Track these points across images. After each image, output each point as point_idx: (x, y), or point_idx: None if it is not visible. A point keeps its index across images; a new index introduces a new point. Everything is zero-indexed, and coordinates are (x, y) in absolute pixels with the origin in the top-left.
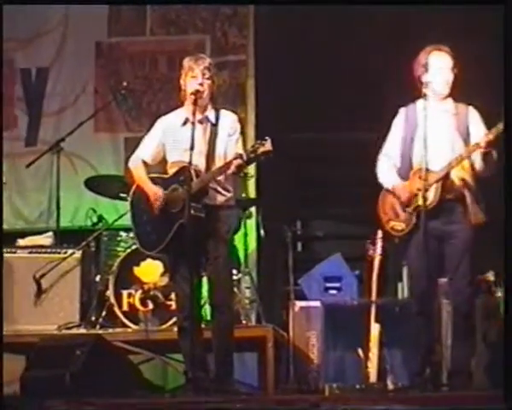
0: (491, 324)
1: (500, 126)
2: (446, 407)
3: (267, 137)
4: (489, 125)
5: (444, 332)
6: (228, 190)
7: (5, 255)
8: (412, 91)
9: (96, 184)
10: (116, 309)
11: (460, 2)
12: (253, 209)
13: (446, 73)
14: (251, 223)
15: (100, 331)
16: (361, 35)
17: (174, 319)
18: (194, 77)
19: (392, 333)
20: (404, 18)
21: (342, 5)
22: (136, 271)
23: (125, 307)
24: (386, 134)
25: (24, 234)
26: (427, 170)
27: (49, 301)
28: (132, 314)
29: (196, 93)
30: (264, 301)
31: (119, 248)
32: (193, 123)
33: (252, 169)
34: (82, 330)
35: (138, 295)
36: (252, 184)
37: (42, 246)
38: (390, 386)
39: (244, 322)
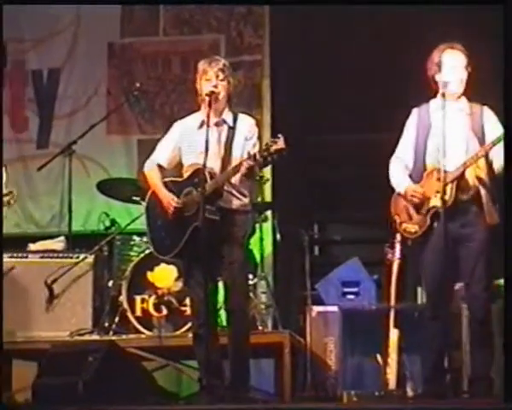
0: None
1: None
2: None
3: (280, 135)
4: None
5: (464, 338)
6: (244, 195)
7: (16, 260)
8: (426, 91)
9: (109, 188)
10: (129, 315)
11: (460, 2)
12: (268, 213)
13: (460, 71)
14: (267, 227)
15: (113, 338)
16: (380, 34)
17: (188, 325)
18: (209, 80)
19: (411, 339)
20: (418, 16)
21: (360, 5)
22: (150, 276)
23: (139, 313)
24: (401, 135)
25: (35, 238)
26: (442, 170)
27: (61, 307)
28: (146, 320)
29: (211, 95)
30: (281, 307)
31: (132, 253)
32: (208, 125)
33: (267, 172)
34: (94, 337)
35: (152, 300)
36: (268, 188)
37: (54, 251)
38: (409, 393)
39: (260, 328)
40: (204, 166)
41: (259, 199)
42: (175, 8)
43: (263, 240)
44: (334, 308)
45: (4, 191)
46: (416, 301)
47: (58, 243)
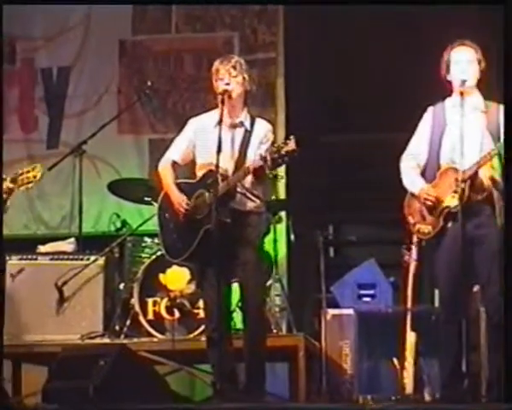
0: None
1: None
2: None
3: (291, 137)
4: None
5: (482, 341)
6: (257, 196)
7: (25, 262)
8: (441, 90)
9: (120, 188)
10: (141, 318)
11: (460, 2)
12: (283, 214)
13: (471, 67)
14: (281, 228)
15: (124, 341)
16: (392, 34)
17: (201, 328)
18: (221, 78)
19: (428, 342)
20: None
21: (373, 5)
22: (162, 278)
23: (151, 316)
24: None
25: (45, 240)
26: (456, 170)
27: (71, 310)
28: (158, 323)
29: (223, 93)
30: (295, 309)
31: (143, 255)
32: (221, 123)
33: (282, 171)
34: (105, 340)
35: (164, 303)
36: (282, 188)
37: (64, 252)
38: (427, 397)
39: (274, 331)
40: (217, 166)
41: (273, 197)
42: (187, 5)
43: (277, 241)
44: (350, 311)
45: (26, 169)
46: (434, 304)
47: (68, 245)
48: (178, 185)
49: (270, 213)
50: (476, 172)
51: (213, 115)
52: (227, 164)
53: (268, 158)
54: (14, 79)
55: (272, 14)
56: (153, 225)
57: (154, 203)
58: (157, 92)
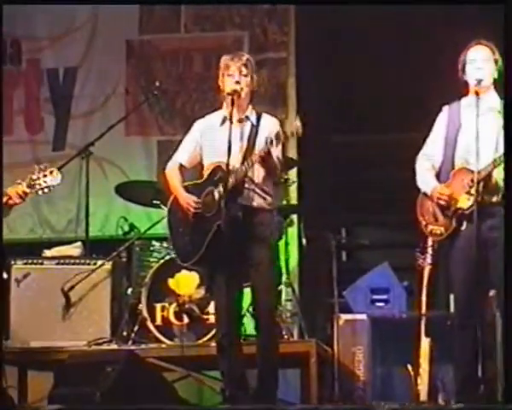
0: None
1: None
2: None
3: (297, 116)
4: None
5: (498, 347)
6: (268, 194)
7: (31, 267)
8: (457, 89)
9: (128, 191)
10: (149, 323)
11: (460, 2)
12: (294, 217)
13: (487, 66)
14: (292, 231)
15: (132, 347)
16: (406, 34)
17: (211, 334)
18: (231, 75)
19: (443, 348)
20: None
21: (385, 5)
22: (171, 282)
23: (159, 322)
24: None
25: (51, 244)
26: (470, 170)
27: (78, 315)
28: (166, 329)
29: (233, 93)
30: (307, 315)
31: (151, 259)
32: (231, 122)
33: (293, 174)
34: (113, 346)
35: (173, 308)
36: (293, 191)
37: (70, 257)
38: (442, 404)
39: (286, 337)
40: (227, 164)
41: (284, 202)
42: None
43: (288, 245)
44: (363, 316)
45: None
46: (449, 309)
47: (75, 249)
48: (186, 188)
49: (282, 217)
50: (490, 173)
51: (219, 114)
52: (235, 159)
53: (273, 140)
54: (20, 80)
55: (283, 13)
56: (161, 228)
57: (163, 206)
58: (165, 93)
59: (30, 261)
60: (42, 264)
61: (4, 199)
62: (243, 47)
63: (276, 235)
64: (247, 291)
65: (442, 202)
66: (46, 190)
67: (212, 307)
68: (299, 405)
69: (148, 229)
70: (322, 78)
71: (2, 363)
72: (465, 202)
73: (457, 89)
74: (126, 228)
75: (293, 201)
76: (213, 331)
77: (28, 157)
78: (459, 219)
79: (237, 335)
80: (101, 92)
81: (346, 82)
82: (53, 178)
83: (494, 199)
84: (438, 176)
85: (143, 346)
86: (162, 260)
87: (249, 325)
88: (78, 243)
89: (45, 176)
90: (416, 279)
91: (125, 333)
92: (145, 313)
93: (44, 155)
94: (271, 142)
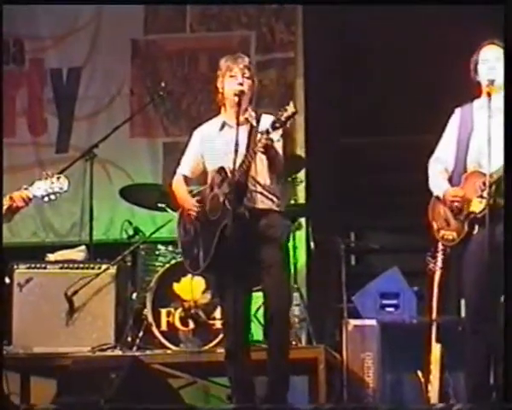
0: None
1: None
2: None
3: (290, 101)
4: None
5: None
6: (275, 195)
7: (34, 271)
8: (469, 91)
9: (133, 194)
10: (154, 329)
11: (460, 2)
12: (302, 220)
13: (499, 66)
14: (300, 235)
15: (137, 353)
16: (415, 34)
17: (217, 340)
18: (234, 76)
19: (454, 354)
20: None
21: (395, 5)
22: (176, 287)
23: (164, 327)
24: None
25: (54, 248)
26: (482, 174)
27: (81, 321)
28: (172, 334)
29: (240, 95)
30: (315, 320)
31: (157, 263)
32: (237, 124)
33: (301, 175)
34: (117, 352)
35: (178, 313)
36: (301, 193)
37: (74, 261)
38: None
39: (293, 343)
40: (233, 167)
41: (292, 201)
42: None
43: (296, 249)
44: (372, 322)
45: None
46: (460, 315)
47: (78, 253)
48: (192, 195)
49: (290, 220)
50: (502, 176)
51: (217, 120)
52: (237, 160)
53: (270, 130)
54: (23, 80)
55: (290, 13)
56: (166, 232)
57: (168, 210)
58: (171, 94)
59: (33, 266)
60: (45, 268)
61: (9, 203)
62: (250, 47)
63: (285, 237)
64: (255, 296)
65: (456, 205)
66: (53, 196)
67: (218, 313)
68: (300, 405)
69: (154, 233)
70: (330, 78)
71: (1, 368)
72: (477, 205)
73: (471, 90)
74: (131, 232)
75: (301, 200)
76: (220, 337)
77: (31, 159)
78: (471, 223)
79: (246, 340)
80: (106, 93)
81: (356, 83)
82: (61, 185)
83: (505, 201)
84: (450, 179)
85: (148, 352)
86: (168, 265)
87: (256, 331)
88: (82, 247)
89: (52, 183)
90: (427, 284)
91: (129, 339)
92: (150, 319)
93: (47, 157)
94: (267, 131)
